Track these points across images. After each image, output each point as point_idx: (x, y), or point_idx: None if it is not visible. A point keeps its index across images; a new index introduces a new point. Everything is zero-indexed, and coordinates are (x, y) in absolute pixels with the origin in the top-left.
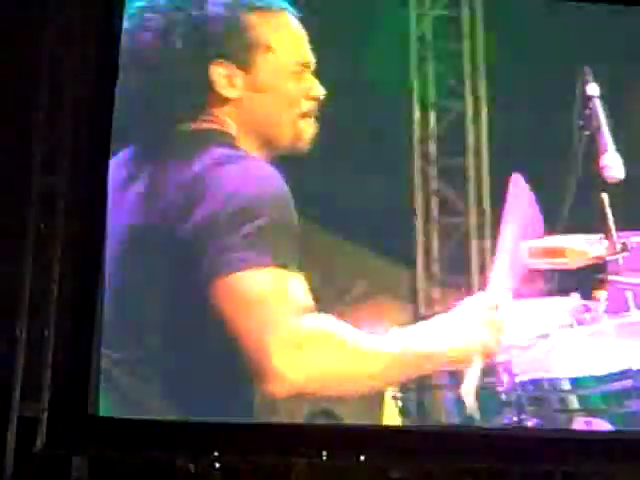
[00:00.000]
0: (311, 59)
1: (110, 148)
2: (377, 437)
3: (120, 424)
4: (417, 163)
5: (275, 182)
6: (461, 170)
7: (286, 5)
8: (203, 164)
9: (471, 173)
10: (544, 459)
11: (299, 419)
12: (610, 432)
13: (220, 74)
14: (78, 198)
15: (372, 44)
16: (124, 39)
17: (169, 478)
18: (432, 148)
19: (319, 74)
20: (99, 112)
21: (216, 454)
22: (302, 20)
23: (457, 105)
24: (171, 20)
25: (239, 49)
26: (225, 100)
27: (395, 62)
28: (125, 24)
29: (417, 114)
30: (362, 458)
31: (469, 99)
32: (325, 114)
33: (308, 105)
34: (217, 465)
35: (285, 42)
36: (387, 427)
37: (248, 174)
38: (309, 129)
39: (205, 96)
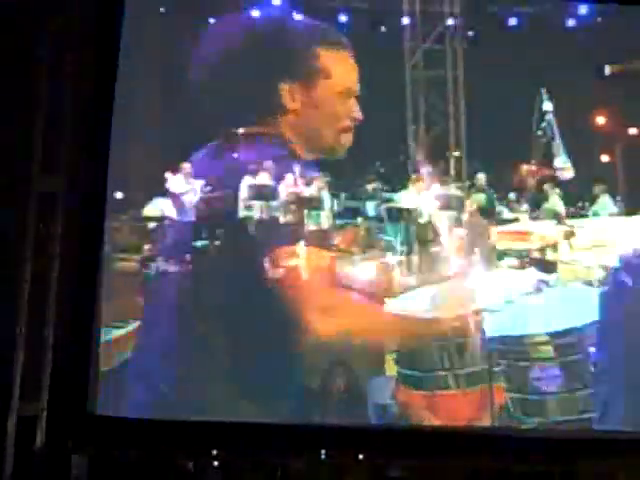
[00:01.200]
0: (357, 88)
1: (110, 148)
2: (375, 436)
3: (119, 423)
4: (407, 159)
5: (317, 180)
6: (444, 169)
7: (348, 44)
8: (263, 161)
9: (452, 172)
10: (543, 458)
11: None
12: (610, 432)
13: (285, 89)
14: (77, 198)
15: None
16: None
17: (168, 476)
18: (419, 148)
19: None
20: (99, 112)
21: (215, 452)
22: (355, 57)
23: (441, 118)
24: (250, 35)
25: (305, 72)
26: (286, 110)
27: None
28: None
29: (410, 126)
30: (360, 457)
31: (451, 113)
32: None
33: (349, 123)
34: (216, 463)
35: (342, 72)
36: (385, 426)
37: (296, 173)
38: (347, 141)
39: (272, 104)
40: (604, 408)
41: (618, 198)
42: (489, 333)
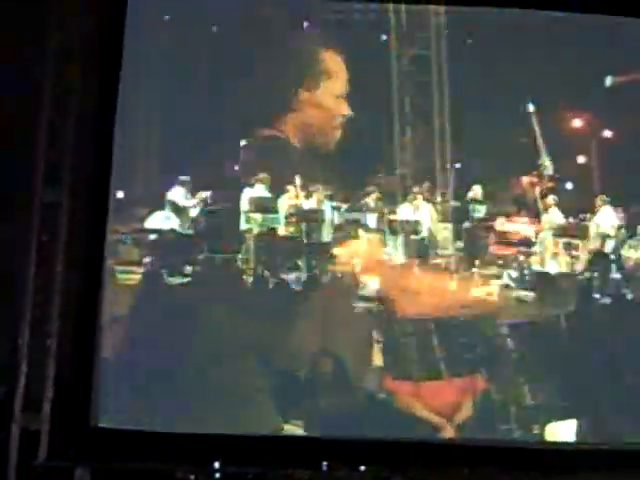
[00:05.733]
0: (347, 88)
1: (112, 161)
2: (377, 448)
3: (122, 435)
4: (398, 166)
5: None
6: (430, 172)
7: (340, 46)
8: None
9: (451, 184)
10: (540, 470)
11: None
12: (601, 444)
13: (292, 89)
14: (80, 210)
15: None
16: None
17: None
18: (418, 160)
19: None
20: (102, 125)
21: (217, 465)
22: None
23: (427, 121)
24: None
25: (311, 72)
26: (291, 108)
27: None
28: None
29: (397, 128)
30: (362, 469)
31: (436, 116)
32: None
33: (340, 120)
34: (217, 476)
35: (340, 75)
36: (387, 438)
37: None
38: (338, 136)
39: (280, 104)
40: (585, 397)
41: (620, 210)
42: (473, 324)
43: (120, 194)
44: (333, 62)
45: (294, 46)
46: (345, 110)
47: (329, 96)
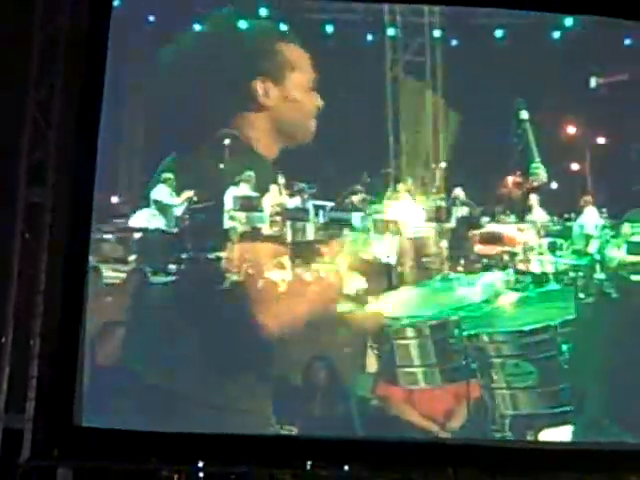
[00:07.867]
0: (315, 77)
1: (96, 161)
2: (361, 448)
3: (104, 434)
4: (384, 166)
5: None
6: (415, 171)
7: (294, 36)
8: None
9: (437, 184)
10: (527, 469)
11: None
12: (593, 443)
13: (261, 86)
14: (64, 209)
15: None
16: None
17: None
18: (403, 160)
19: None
20: (86, 125)
21: (200, 464)
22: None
23: (421, 127)
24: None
25: (273, 67)
26: (261, 107)
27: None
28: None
29: (391, 135)
30: (346, 468)
31: (430, 123)
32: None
33: (314, 112)
34: (201, 475)
35: (302, 64)
36: (371, 438)
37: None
38: (313, 126)
39: (246, 103)
40: (579, 403)
41: (604, 210)
42: (467, 331)
43: (104, 193)
44: (293, 53)
45: (247, 36)
46: (317, 101)
47: (299, 90)
